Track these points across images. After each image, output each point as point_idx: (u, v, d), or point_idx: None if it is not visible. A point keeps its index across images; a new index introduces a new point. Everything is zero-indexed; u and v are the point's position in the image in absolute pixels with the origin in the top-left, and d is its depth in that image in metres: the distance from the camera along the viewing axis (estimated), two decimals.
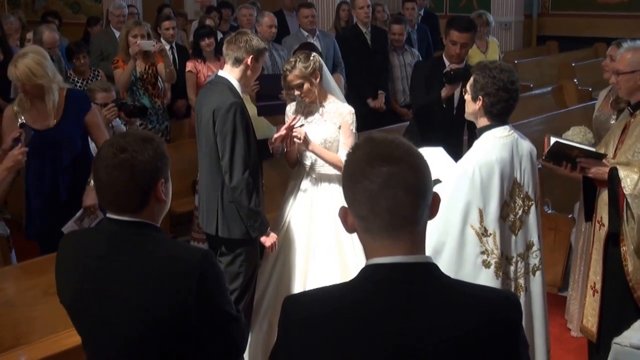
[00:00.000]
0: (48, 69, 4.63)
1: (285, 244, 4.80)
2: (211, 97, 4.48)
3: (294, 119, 4.62)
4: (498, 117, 3.71)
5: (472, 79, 3.74)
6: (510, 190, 3.71)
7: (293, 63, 4.66)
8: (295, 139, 4.58)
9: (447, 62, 5.57)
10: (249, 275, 4.60)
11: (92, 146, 5.54)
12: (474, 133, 4.05)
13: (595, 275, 4.31)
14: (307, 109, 4.81)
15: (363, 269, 1.90)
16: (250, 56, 4.47)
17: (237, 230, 4.51)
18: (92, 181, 5.00)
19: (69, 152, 4.88)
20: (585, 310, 4.42)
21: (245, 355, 4.65)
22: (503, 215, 3.68)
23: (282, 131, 4.58)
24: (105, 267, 2.44)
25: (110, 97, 5.80)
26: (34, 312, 4.17)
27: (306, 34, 8.04)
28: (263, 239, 4.55)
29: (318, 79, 4.67)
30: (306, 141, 4.60)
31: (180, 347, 2.43)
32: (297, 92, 4.68)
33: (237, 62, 4.49)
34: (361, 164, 1.84)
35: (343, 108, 4.76)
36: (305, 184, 4.82)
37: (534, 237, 3.83)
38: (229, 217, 4.50)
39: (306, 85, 4.63)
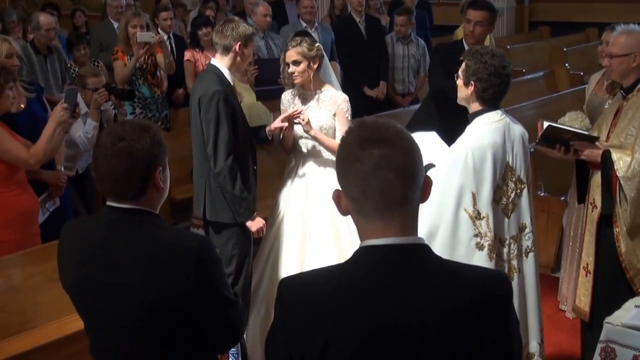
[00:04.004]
0: None
1: (282, 228, 4.83)
2: (200, 85, 4.54)
3: (295, 111, 4.64)
4: (490, 102, 3.73)
5: (463, 64, 3.75)
6: (502, 174, 3.72)
7: (299, 41, 4.68)
8: (300, 120, 4.60)
9: (466, 46, 5.41)
10: (243, 258, 4.63)
11: (79, 134, 5.67)
12: None
13: (588, 256, 4.34)
14: (303, 96, 4.83)
15: (357, 250, 1.92)
16: (238, 43, 4.49)
17: (224, 214, 4.56)
18: (57, 166, 5.14)
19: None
20: (578, 291, 4.45)
21: (244, 339, 4.71)
22: (496, 199, 3.70)
23: (284, 123, 4.62)
24: (104, 253, 2.48)
25: (100, 82, 5.90)
26: (39, 298, 4.20)
27: (304, 24, 8.03)
28: (249, 223, 4.56)
29: (316, 66, 4.69)
30: (309, 125, 4.62)
31: (179, 331, 2.47)
32: (290, 69, 4.68)
33: (226, 50, 4.52)
34: (353, 146, 1.87)
35: (338, 96, 4.78)
36: (302, 169, 4.85)
37: (527, 220, 3.85)
38: (216, 202, 4.55)
39: (303, 65, 4.65)
